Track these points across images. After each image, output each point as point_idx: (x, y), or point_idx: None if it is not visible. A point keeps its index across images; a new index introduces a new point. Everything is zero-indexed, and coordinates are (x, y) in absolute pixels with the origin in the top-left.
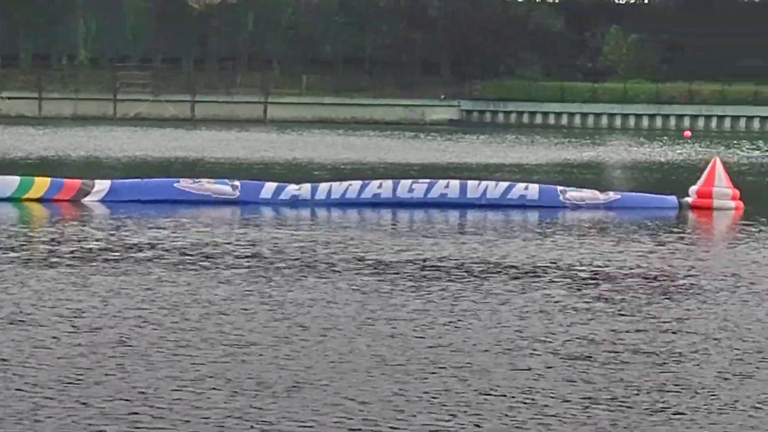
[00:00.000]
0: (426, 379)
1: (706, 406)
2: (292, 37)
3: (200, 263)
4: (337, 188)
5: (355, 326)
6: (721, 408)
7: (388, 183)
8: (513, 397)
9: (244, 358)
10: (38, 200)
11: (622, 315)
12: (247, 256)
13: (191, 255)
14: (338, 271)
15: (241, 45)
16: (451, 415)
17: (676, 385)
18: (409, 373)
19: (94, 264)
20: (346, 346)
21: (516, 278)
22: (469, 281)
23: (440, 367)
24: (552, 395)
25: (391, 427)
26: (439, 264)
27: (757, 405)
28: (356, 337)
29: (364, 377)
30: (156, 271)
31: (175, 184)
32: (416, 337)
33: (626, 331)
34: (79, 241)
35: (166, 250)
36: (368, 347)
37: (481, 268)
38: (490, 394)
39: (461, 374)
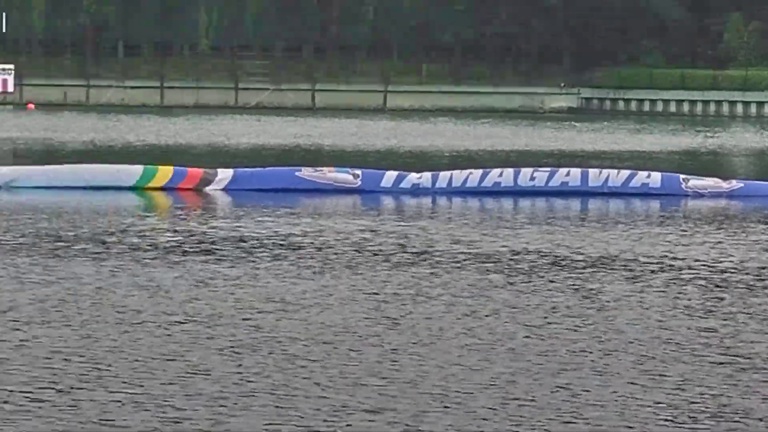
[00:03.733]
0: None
1: None
2: (413, 25)
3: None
4: (458, 177)
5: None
6: None
7: (509, 171)
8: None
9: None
10: (161, 189)
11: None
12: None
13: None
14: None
15: (361, 33)
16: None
17: None
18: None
19: (216, 256)
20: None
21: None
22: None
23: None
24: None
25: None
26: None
27: None
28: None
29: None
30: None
31: (296, 173)
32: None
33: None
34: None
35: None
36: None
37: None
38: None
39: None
